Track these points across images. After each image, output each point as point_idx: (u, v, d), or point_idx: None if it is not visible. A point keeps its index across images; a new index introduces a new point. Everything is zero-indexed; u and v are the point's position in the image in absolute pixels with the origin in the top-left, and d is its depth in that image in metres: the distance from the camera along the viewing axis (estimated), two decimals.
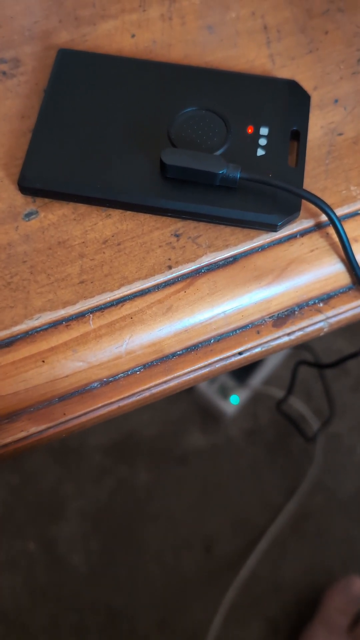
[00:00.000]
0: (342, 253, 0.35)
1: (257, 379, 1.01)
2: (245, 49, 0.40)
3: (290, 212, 0.34)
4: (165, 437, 1.02)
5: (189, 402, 1.03)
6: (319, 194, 0.35)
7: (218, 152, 0.35)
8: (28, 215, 0.35)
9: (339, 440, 1.02)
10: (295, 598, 0.94)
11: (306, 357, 0.96)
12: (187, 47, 0.40)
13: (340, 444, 1.02)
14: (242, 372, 1.01)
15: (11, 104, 0.38)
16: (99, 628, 0.92)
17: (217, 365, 0.35)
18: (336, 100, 0.38)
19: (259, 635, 0.92)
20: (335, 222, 0.33)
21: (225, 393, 1.00)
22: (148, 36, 0.40)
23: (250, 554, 0.95)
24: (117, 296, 0.33)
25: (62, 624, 0.92)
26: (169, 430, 1.02)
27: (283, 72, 0.39)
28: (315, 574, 0.94)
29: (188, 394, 1.03)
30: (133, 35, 0.40)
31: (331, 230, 0.35)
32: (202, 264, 0.34)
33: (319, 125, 0.38)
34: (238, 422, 1.02)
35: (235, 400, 1.00)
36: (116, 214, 0.35)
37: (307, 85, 0.39)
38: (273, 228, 0.34)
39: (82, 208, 0.35)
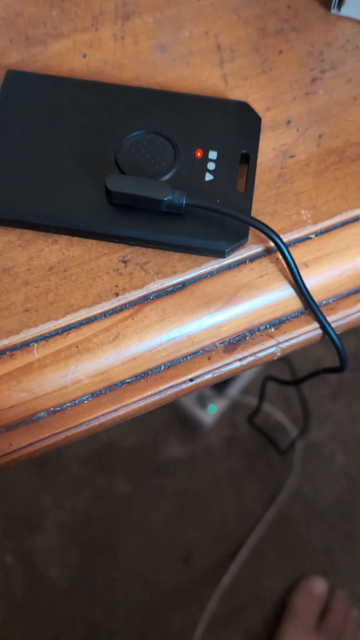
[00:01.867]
0: (292, 278, 0.34)
1: (235, 388, 1.01)
2: (198, 69, 0.39)
3: (238, 238, 0.33)
4: (144, 447, 1.01)
5: (168, 412, 1.03)
6: (268, 219, 0.35)
7: (166, 177, 0.34)
8: None
9: (318, 449, 1.02)
10: (274, 608, 0.94)
11: (280, 368, 0.96)
12: (139, 67, 0.39)
13: (320, 453, 1.01)
14: (220, 382, 1.01)
15: None
16: None
17: (167, 392, 0.34)
18: (289, 122, 0.38)
19: None
20: (282, 249, 0.33)
21: (203, 402, 1.00)
22: (100, 56, 0.39)
23: (230, 565, 0.94)
24: (63, 324, 0.33)
25: (40, 638, 0.91)
26: (148, 440, 1.02)
27: (236, 93, 0.39)
28: (294, 583, 0.94)
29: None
30: (84, 55, 0.39)
31: (281, 255, 0.35)
32: (150, 291, 0.34)
33: (271, 147, 0.37)
34: (216, 431, 1.02)
35: (213, 409, 1.00)
36: (63, 239, 0.34)
37: (259, 105, 0.38)
38: (221, 254, 0.34)
39: (28, 234, 0.35)
